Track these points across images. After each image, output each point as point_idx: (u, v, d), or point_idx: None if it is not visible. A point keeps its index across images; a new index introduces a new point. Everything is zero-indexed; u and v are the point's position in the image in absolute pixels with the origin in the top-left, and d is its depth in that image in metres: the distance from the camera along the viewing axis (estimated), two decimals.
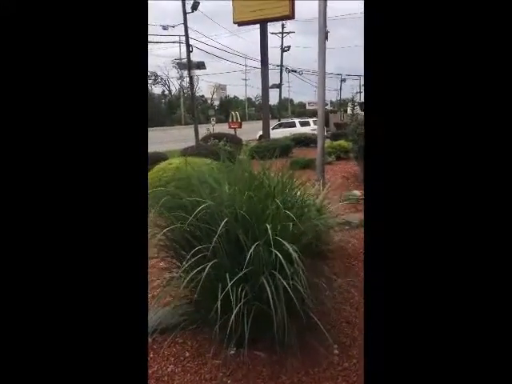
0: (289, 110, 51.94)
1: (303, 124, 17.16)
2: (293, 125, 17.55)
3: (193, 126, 13.58)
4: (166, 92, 50.62)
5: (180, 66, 14.20)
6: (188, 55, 14.04)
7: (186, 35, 13.86)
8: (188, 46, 13.93)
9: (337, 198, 5.38)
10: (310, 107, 27.60)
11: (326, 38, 5.78)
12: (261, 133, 16.24)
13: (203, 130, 12.48)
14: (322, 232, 2.89)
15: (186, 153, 7.80)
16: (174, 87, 46.34)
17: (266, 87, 12.42)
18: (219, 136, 10.09)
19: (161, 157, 6.63)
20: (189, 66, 14.15)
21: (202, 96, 54.84)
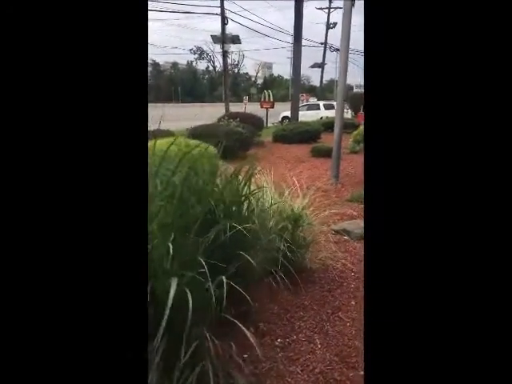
0: (334, 91, 50.24)
1: (328, 107, 16.23)
2: (317, 107, 16.64)
3: (234, 103, 13.27)
4: (211, 68, 50.53)
5: (215, 39, 13.71)
6: (223, 28, 13.46)
7: (222, 7, 13.23)
8: (223, 18, 13.32)
9: (345, 196, 4.75)
10: (358, 90, 26.24)
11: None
12: (284, 114, 15.54)
13: (237, 109, 12.10)
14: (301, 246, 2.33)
15: (193, 132, 7.32)
16: (219, 63, 46.26)
17: (297, 65, 11.61)
18: (236, 116, 9.40)
19: (163, 135, 6.19)
20: (223, 39, 13.58)
21: (246, 73, 54.32)
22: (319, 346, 1.91)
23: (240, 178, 2.32)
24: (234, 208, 2.04)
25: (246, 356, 1.80)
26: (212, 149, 5.27)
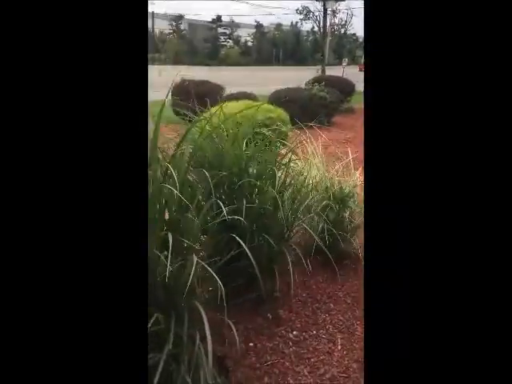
0: None
1: None
2: None
3: (337, 66, 12.70)
4: (316, 29, 48.41)
5: None
6: None
7: None
8: None
9: None
10: None
11: None
12: None
13: (336, 72, 11.48)
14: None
15: (275, 96, 7.04)
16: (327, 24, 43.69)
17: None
18: (323, 79, 8.74)
19: (242, 98, 6.07)
20: None
21: (354, 34, 50.96)
22: (339, 348, 1.66)
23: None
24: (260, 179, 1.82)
25: (251, 345, 1.65)
26: (284, 115, 4.99)
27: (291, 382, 1.48)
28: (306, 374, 1.52)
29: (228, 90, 7.88)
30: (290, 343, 1.68)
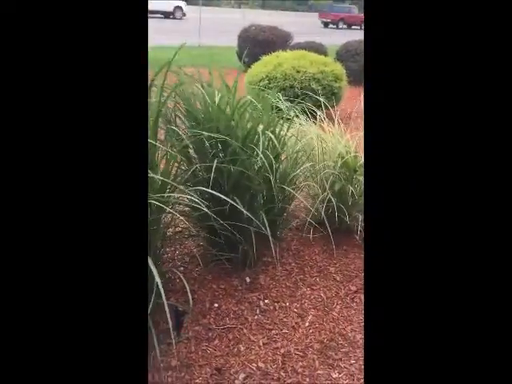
0: None
1: None
2: None
3: None
4: None
5: None
6: None
7: None
8: None
9: None
10: None
11: None
12: None
13: None
14: None
15: (343, 49, 6.51)
16: None
17: None
18: None
19: (314, 47, 5.71)
20: None
21: None
22: (306, 325, 1.58)
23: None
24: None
25: (215, 305, 1.63)
26: (339, 70, 4.60)
27: (241, 349, 1.45)
28: (261, 345, 1.48)
29: (302, 39, 7.49)
30: (257, 311, 1.63)
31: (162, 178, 1.36)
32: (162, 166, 1.46)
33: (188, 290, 1.28)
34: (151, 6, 15.37)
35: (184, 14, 19.39)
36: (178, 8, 19.39)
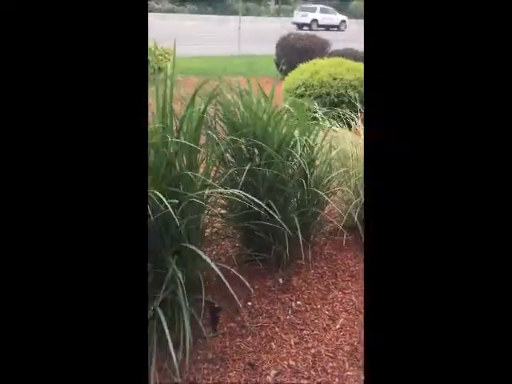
0: None
1: None
2: None
3: None
4: None
5: None
6: None
7: None
8: None
9: None
10: None
11: None
12: None
13: None
14: None
15: None
16: None
17: None
18: None
19: (352, 54, 5.70)
20: None
21: None
22: (338, 327, 1.61)
23: None
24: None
25: (249, 304, 1.69)
26: None
27: (273, 347, 1.50)
28: (292, 344, 1.52)
29: (340, 46, 7.49)
30: (289, 311, 1.68)
31: (202, 177, 1.45)
32: (201, 170, 1.56)
33: (230, 289, 1.35)
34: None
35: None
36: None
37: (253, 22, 20.59)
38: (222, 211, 1.85)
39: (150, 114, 1.50)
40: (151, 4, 34.32)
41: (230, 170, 1.59)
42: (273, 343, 1.52)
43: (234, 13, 24.65)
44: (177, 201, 1.25)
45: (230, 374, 1.37)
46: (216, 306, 1.63)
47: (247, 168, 1.50)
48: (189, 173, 1.38)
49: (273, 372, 1.40)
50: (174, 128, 1.49)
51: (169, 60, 7.01)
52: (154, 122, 1.43)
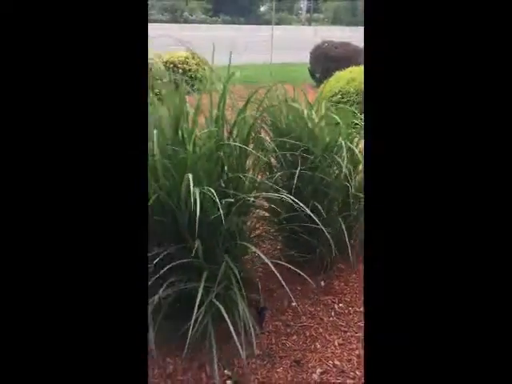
0: None
1: None
2: None
3: None
4: None
5: None
6: None
7: None
8: None
9: None
10: None
11: None
12: None
13: None
14: None
15: None
16: None
17: None
18: None
19: None
20: None
21: None
22: None
23: None
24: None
25: (293, 304, 1.73)
26: None
27: (318, 346, 1.53)
28: (336, 344, 1.55)
29: None
30: (332, 313, 1.71)
31: (259, 180, 1.52)
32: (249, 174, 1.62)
33: (287, 288, 1.40)
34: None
35: None
36: None
37: (285, 31, 20.76)
38: (265, 214, 1.91)
39: (202, 118, 1.60)
40: (185, 15, 35.25)
41: (277, 174, 1.65)
42: (317, 343, 1.55)
43: (266, 22, 24.92)
44: (233, 200, 1.32)
45: (278, 370, 1.42)
46: (261, 305, 1.68)
47: (298, 171, 1.56)
48: (240, 175, 1.45)
49: (318, 370, 1.43)
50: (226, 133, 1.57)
51: (204, 69, 7.21)
52: (207, 126, 1.51)
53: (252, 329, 1.28)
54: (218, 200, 1.19)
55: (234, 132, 1.56)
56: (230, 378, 1.38)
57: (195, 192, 1.14)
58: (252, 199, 1.45)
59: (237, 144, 1.44)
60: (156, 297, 1.24)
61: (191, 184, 1.13)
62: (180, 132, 1.41)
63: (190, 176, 1.15)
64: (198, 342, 1.31)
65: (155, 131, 1.19)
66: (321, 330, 1.61)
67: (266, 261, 1.37)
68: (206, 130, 1.37)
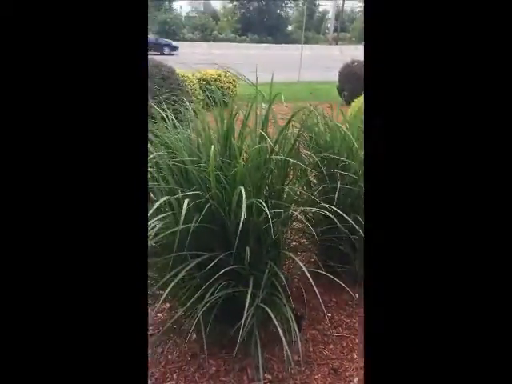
0: None
1: None
2: None
3: None
4: None
5: None
6: None
7: None
8: None
9: None
10: None
11: None
12: None
13: None
14: None
15: None
16: None
17: None
18: None
19: None
20: None
21: None
22: None
23: None
24: None
25: (328, 315, 1.78)
26: None
27: (354, 356, 1.57)
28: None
29: None
30: None
31: (305, 192, 1.60)
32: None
33: (319, 298, 1.47)
34: None
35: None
36: None
37: (312, 50, 21.06)
38: (299, 225, 1.99)
39: (248, 136, 1.70)
40: (215, 34, 36.26)
41: (321, 186, 1.73)
42: (354, 353, 1.59)
43: (293, 41, 25.30)
44: (282, 210, 1.40)
45: (316, 376, 1.47)
46: (298, 314, 1.74)
47: (338, 185, 1.63)
48: (286, 187, 1.54)
49: (356, 379, 1.47)
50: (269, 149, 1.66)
51: (235, 86, 7.44)
52: (252, 144, 1.61)
53: (295, 335, 1.35)
54: (268, 211, 1.27)
55: (276, 148, 1.66)
56: (270, 381, 1.44)
57: (245, 203, 1.23)
58: (295, 212, 1.53)
59: (284, 157, 1.53)
60: (205, 300, 1.32)
61: (244, 196, 1.22)
62: (228, 145, 1.52)
63: (243, 189, 1.24)
64: (242, 344, 1.38)
65: (212, 146, 1.29)
66: (357, 340, 1.66)
67: (305, 271, 1.44)
68: (257, 146, 1.46)
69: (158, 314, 1.80)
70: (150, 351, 1.60)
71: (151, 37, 20.53)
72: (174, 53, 19.80)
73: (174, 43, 20.49)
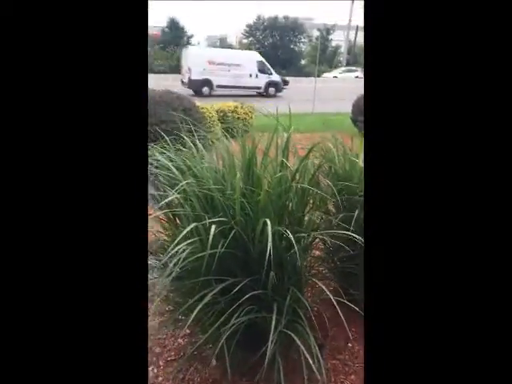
0: None
1: None
2: None
3: None
4: None
5: None
6: None
7: None
8: None
9: None
10: None
11: None
12: None
13: None
14: None
15: None
16: None
17: None
18: None
19: None
20: None
21: None
22: None
23: None
24: None
25: (349, 345, 1.77)
26: None
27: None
28: None
29: None
30: None
31: (330, 218, 1.63)
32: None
33: (346, 323, 1.47)
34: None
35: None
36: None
37: (325, 82, 21.50)
38: (317, 253, 2.01)
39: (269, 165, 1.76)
40: None
41: (341, 214, 1.76)
42: None
43: (306, 74, 25.89)
44: (306, 234, 1.43)
45: None
46: (319, 342, 1.73)
47: (356, 214, 1.66)
48: (311, 215, 1.58)
49: None
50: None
51: (251, 118, 7.64)
52: (273, 172, 1.67)
53: (318, 364, 1.35)
54: (292, 238, 1.31)
55: (297, 176, 1.71)
56: None
57: (270, 231, 1.27)
58: (317, 238, 1.56)
59: (305, 186, 1.58)
60: (230, 324, 1.34)
61: (269, 226, 1.26)
62: (251, 174, 1.58)
63: (268, 221, 1.28)
64: (264, 370, 1.38)
65: (238, 174, 1.35)
66: None
67: (331, 298, 1.45)
68: (278, 174, 1.52)
69: (179, 340, 1.81)
70: (171, 377, 1.61)
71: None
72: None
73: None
